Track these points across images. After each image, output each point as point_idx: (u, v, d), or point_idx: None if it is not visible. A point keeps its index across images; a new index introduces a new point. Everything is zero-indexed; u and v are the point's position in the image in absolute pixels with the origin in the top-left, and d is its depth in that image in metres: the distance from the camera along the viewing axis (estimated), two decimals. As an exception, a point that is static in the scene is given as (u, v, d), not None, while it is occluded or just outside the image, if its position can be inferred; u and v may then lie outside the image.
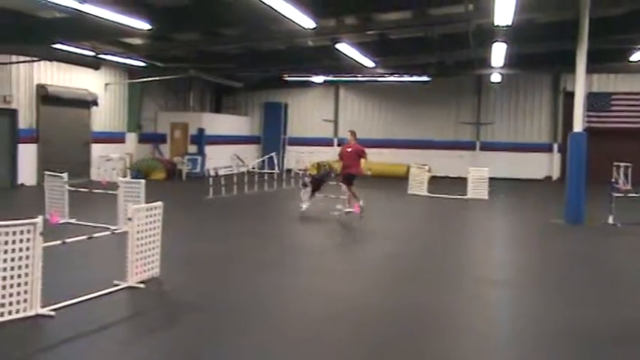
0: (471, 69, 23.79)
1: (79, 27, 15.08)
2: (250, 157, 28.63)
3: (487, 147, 28.06)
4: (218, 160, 25.41)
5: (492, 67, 22.10)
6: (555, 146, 27.27)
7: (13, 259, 6.01)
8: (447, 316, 6.98)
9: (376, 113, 29.76)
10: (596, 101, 25.83)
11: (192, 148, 26.05)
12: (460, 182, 20.10)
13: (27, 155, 19.51)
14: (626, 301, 7.72)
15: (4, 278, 5.96)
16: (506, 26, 12.47)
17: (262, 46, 22.01)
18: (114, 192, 11.84)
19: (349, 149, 14.68)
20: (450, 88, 28.01)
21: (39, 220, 6.28)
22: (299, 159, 26.62)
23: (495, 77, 25.19)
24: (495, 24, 12.18)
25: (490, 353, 5.92)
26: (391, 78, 25.73)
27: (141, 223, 7.65)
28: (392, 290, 8.11)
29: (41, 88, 19.93)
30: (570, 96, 18.38)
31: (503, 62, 20.75)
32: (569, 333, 6.38)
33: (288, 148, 30.31)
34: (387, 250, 10.97)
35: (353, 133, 15.02)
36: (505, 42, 16.40)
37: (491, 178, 19.70)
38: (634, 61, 23.13)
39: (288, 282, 8.37)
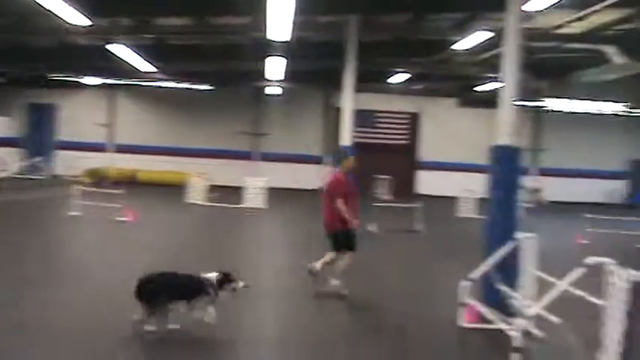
0: (249, 80, 24.35)
1: None
2: (12, 160, 25.92)
3: (266, 157, 28.94)
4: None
5: (269, 80, 22.87)
6: (327, 159, 29.07)
7: None
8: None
9: (157, 120, 28.94)
10: (362, 118, 28.09)
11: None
12: (239, 192, 20.34)
13: None
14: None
15: None
16: (282, 42, 13.02)
17: (29, 40, 20.14)
18: None
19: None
20: (231, 98, 28.37)
21: None
22: (71, 164, 24.85)
23: (272, 90, 26.08)
24: (270, 38, 12.64)
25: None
26: (170, 84, 25.24)
27: None
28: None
29: None
30: (339, 112, 19.77)
31: (279, 76, 21.58)
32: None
33: (60, 152, 28.08)
34: (159, 259, 10.67)
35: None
36: (281, 57, 17.09)
37: (269, 188, 20.26)
38: (393, 83, 25.73)
39: (50, 293, 7.74)
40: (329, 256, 8.29)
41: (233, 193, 20.74)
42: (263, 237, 14.77)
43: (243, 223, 16.92)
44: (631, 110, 26.11)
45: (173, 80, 24.58)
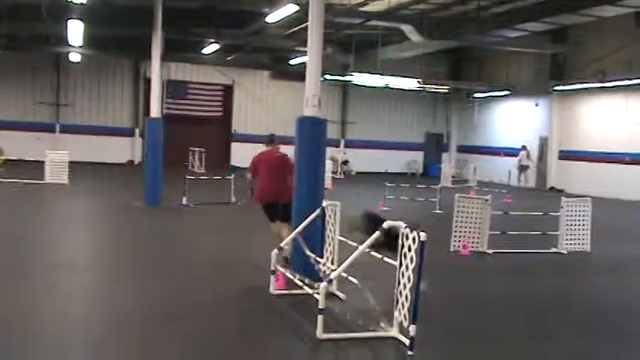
0: (47, 45, 22.39)
1: None
2: None
3: (68, 129, 26.99)
4: None
5: (71, 46, 21.21)
6: (137, 131, 27.90)
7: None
8: (15, 305, 6.44)
9: None
10: (174, 89, 27.34)
11: None
12: (38, 166, 18.84)
13: None
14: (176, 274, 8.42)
15: None
16: (81, 3, 12.08)
17: None
18: None
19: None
20: (25, 65, 25.89)
21: None
22: None
23: (74, 57, 24.30)
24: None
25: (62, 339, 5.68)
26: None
27: None
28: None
29: None
30: (150, 82, 18.96)
31: (82, 42, 20.10)
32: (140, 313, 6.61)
33: None
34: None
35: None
36: (81, 20, 15.86)
37: (72, 162, 18.98)
38: (206, 54, 25.32)
39: None
40: (277, 229, 8.69)
41: (33, 168, 19.18)
42: (65, 214, 13.83)
43: (43, 199, 15.72)
44: (423, 86, 28.23)
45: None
